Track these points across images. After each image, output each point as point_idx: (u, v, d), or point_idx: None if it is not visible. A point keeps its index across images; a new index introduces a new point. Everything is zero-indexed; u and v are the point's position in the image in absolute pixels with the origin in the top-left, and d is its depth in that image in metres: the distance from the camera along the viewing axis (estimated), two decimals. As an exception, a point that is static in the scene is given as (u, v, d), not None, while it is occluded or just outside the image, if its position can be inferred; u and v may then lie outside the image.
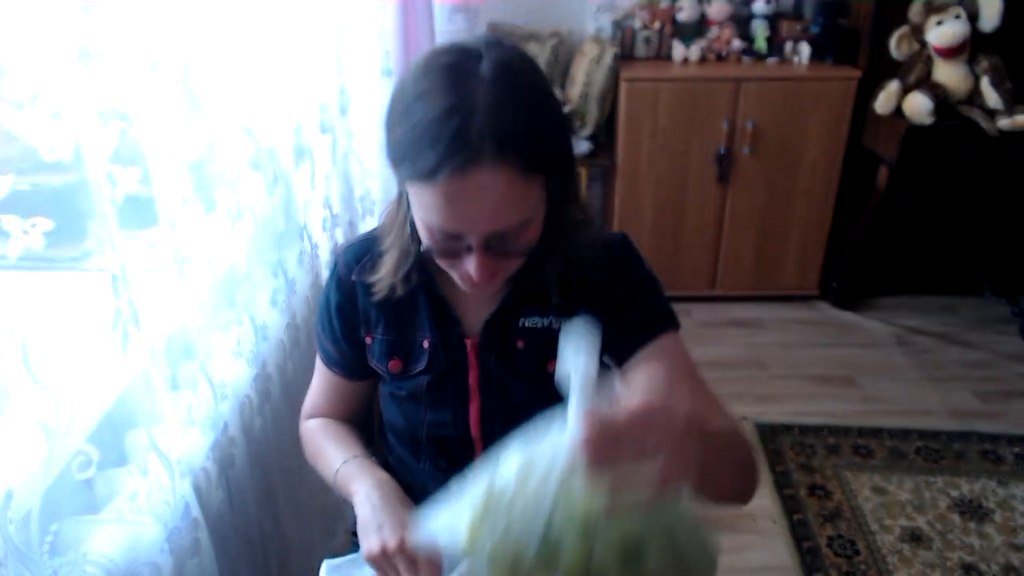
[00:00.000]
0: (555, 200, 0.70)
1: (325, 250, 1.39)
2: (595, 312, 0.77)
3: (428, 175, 0.60)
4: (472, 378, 0.79)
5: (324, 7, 1.34)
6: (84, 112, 0.63)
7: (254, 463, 1.01)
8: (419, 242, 0.72)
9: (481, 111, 0.60)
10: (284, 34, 1.13)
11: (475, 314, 0.78)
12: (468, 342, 0.78)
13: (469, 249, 0.65)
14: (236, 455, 0.94)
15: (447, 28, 2.37)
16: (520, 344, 0.78)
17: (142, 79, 0.74)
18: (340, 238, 1.47)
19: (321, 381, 0.90)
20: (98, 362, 0.68)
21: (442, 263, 0.70)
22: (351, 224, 1.55)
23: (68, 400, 0.60)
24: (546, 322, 0.78)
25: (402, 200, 0.74)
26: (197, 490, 0.82)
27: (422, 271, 0.77)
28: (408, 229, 0.73)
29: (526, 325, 0.78)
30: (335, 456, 0.83)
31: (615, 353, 0.79)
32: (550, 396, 0.78)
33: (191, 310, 0.85)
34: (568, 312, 0.77)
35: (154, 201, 0.77)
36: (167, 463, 0.75)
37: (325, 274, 1.37)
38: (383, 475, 0.79)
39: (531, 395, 0.79)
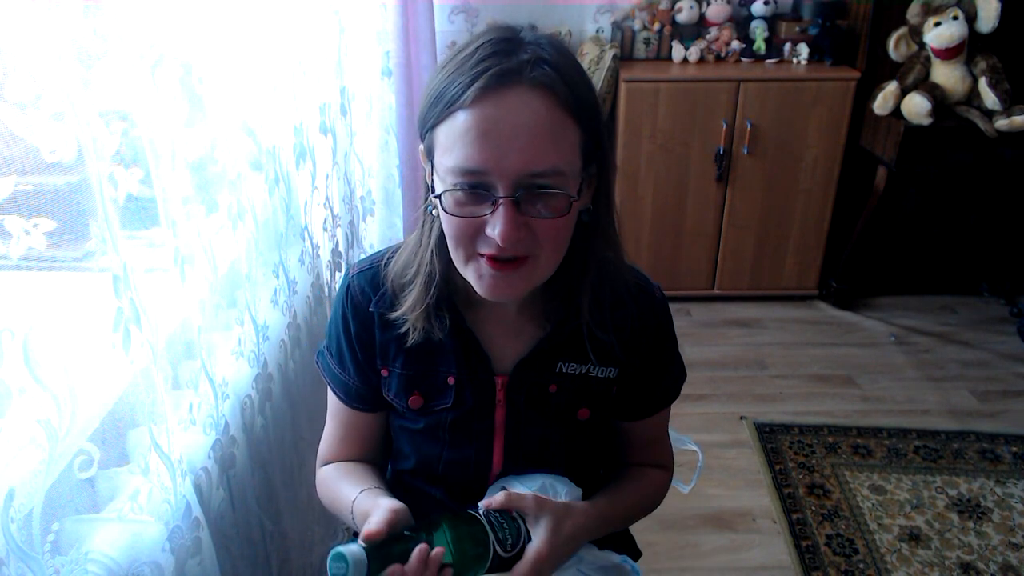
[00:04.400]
0: (587, 226, 0.69)
1: (326, 250, 1.39)
2: (629, 367, 0.77)
3: (460, 95, 0.59)
4: (499, 417, 0.76)
5: (325, 8, 1.35)
6: (86, 113, 0.63)
7: (255, 462, 1.01)
8: (444, 266, 0.68)
9: (522, 45, 0.61)
10: (285, 35, 1.13)
11: (506, 352, 0.75)
12: (498, 380, 0.75)
13: (496, 203, 0.60)
14: (237, 454, 0.95)
15: (447, 28, 2.38)
16: (553, 388, 0.75)
17: (143, 80, 0.75)
18: (341, 238, 1.47)
19: (338, 423, 0.82)
20: (100, 362, 0.68)
21: (461, 250, 0.64)
22: (352, 224, 1.56)
23: (70, 399, 0.60)
24: (583, 369, 0.75)
25: (426, 220, 0.70)
26: (198, 489, 0.82)
27: (451, 308, 0.72)
28: (432, 251, 0.69)
29: (563, 370, 0.75)
30: (349, 491, 0.76)
31: (627, 408, 0.81)
32: (575, 440, 0.79)
33: (192, 310, 0.85)
34: (605, 361, 0.75)
35: (155, 201, 0.77)
36: (168, 462, 0.76)
37: (327, 275, 1.37)
38: (397, 504, 0.70)
39: (557, 438, 0.78)
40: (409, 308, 0.71)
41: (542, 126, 0.59)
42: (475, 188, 0.60)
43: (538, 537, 0.68)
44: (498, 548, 0.65)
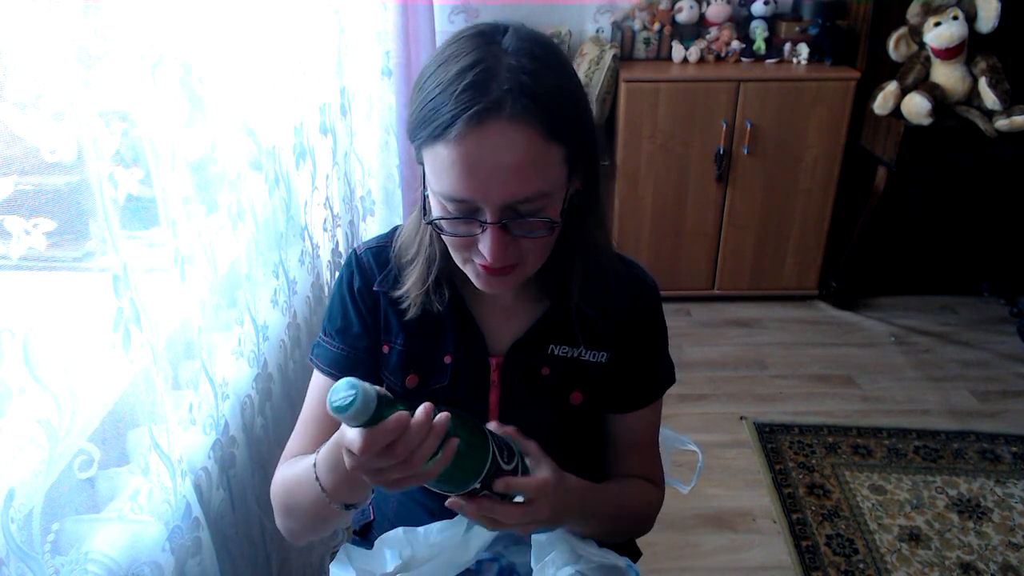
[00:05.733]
0: (578, 208, 0.69)
1: (326, 250, 1.39)
2: (618, 352, 0.78)
3: (444, 128, 0.59)
4: (493, 398, 0.77)
5: (325, 8, 1.35)
6: (86, 113, 0.63)
7: (255, 462, 1.01)
8: (443, 247, 0.70)
9: (504, 69, 0.60)
10: (285, 35, 1.13)
11: (502, 334, 0.76)
12: (492, 361, 0.76)
13: (484, 227, 0.62)
14: (237, 454, 0.95)
15: (447, 28, 2.38)
16: (545, 371, 0.76)
17: (143, 80, 0.75)
18: (341, 238, 1.47)
19: (318, 411, 0.78)
20: (100, 362, 0.68)
21: (457, 254, 0.67)
22: (351, 224, 1.56)
23: (70, 399, 0.60)
24: (575, 352, 0.76)
25: (425, 205, 0.71)
26: (198, 489, 0.83)
27: (450, 285, 0.74)
28: (431, 234, 0.71)
29: (555, 352, 0.76)
30: (309, 458, 0.69)
31: (615, 397, 0.80)
32: (568, 424, 0.79)
33: (192, 310, 0.85)
34: (596, 345, 0.76)
35: (155, 201, 0.77)
36: (168, 462, 0.76)
37: (327, 275, 1.37)
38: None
39: (551, 420, 0.78)
40: (411, 287, 0.73)
41: (523, 159, 0.60)
42: (465, 213, 0.63)
43: (543, 471, 0.66)
44: (499, 455, 0.62)
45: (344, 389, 0.53)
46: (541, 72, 0.61)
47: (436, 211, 0.65)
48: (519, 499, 0.65)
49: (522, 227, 0.63)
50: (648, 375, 0.81)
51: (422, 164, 0.66)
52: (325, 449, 0.67)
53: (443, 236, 0.66)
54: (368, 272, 0.77)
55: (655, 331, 0.81)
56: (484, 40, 0.62)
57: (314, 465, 0.67)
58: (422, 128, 0.62)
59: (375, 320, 0.78)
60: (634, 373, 0.80)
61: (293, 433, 0.82)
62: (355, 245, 0.85)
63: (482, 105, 0.58)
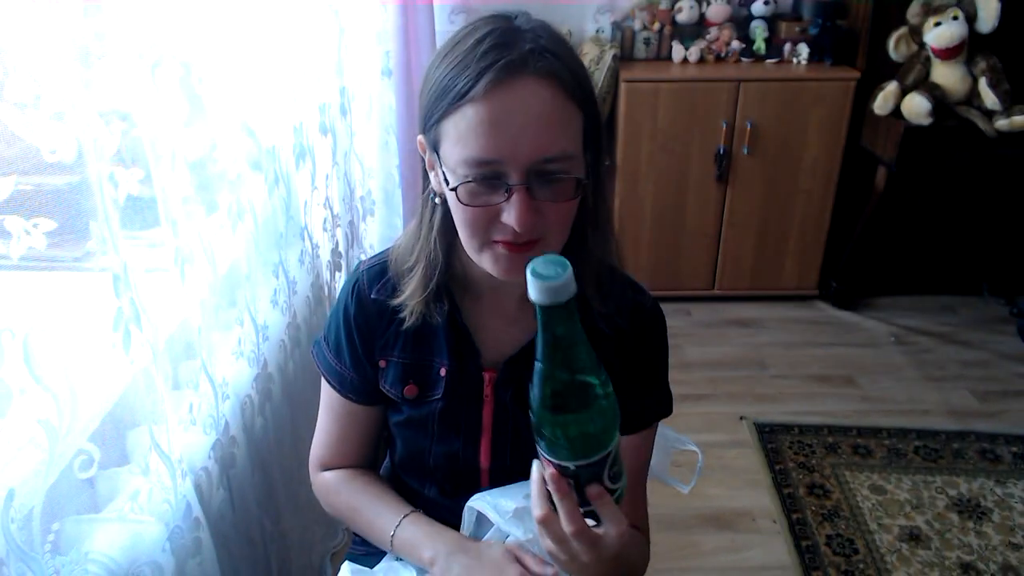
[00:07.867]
0: (584, 200, 0.68)
1: (326, 250, 1.39)
2: (613, 372, 0.74)
3: (469, 89, 0.59)
4: (486, 412, 0.76)
5: (324, 8, 1.35)
6: (86, 113, 0.63)
7: (255, 462, 1.01)
8: (447, 252, 0.70)
9: (521, 35, 0.62)
10: (285, 35, 1.13)
11: (497, 348, 0.75)
12: (486, 375, 0.75)
13: (509, 191, 0.61)
14: (237, 454, 0.95)
15: (447, 28, 2.38)
16: None
17: (144, 80, 0.75)
18: (340, 238, 1.47)
19: (334, 418, 0.83)
20: (100, 362, 0.68)
21: (475, 238, 0.65)
22: (351, 224, 1.56)
23: (70, 399, 0.60)
24: None
25: (426, 207, 0.71)
26: (198, 489, 0.82)
27: (449, 296, 0.74)
28: (434, 239, 0.70)
29: None
30: (384, 519, 0.78)
31: None
32: None
33: (192, 310, 0.85)
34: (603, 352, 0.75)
35: (155, 201, 0.77)
36: (168, 462, 0.76)
37: (327, 275, 1.37)
38: (454, 536, 0.75)
39: None
40: (410, 296, 0.73)
41: (550, 114, 0.61)
42: (489, 178, 0.61)
43: (624, 523, 0.64)
44: (611, 463, 0.60)
45: (557, 266, 0.50)
46: (560, 45, 0.63)
47: (458, 178, 0.62)
48: (589, 522, 0.61)
49: (547, 191, 0.62)
50: (641, 401, 0.78)
51: (436, 149, 0.65)
52: (403, 547, 0.76)
53: (465, 212, 0.63)
54: (367, 292, 0.77)
55: (655, 357, 0.79)
56: (498, 19, 0.64)
57: (392, 536, 0.77)
58: (440, 100, 0.62)
59: (369, 345, 0.77)
60: (628, 397, 0.76)
61: (321, 439, 0.85)
62: (360, 261, 0.84)
63: (507, 59, 0.59)
